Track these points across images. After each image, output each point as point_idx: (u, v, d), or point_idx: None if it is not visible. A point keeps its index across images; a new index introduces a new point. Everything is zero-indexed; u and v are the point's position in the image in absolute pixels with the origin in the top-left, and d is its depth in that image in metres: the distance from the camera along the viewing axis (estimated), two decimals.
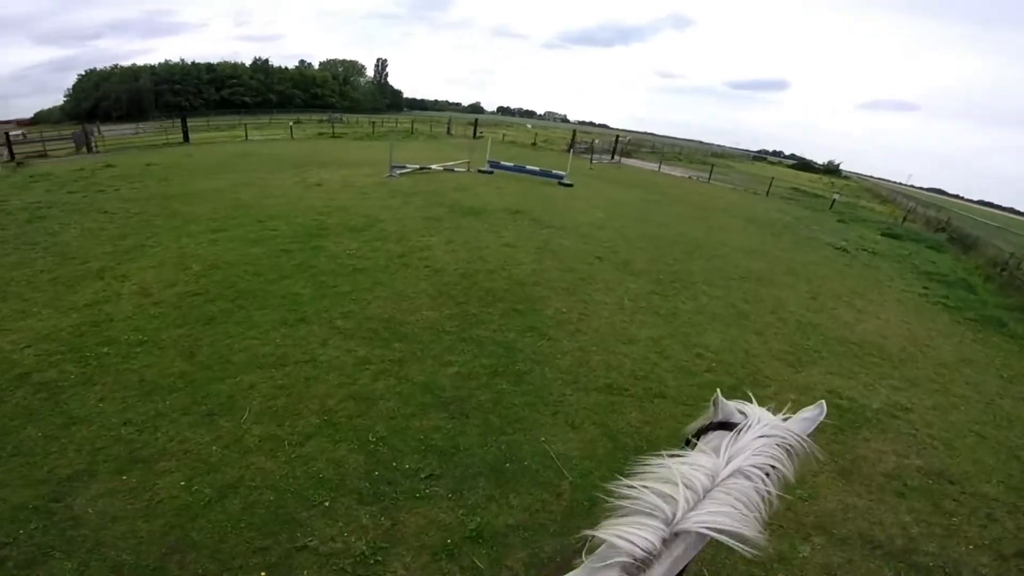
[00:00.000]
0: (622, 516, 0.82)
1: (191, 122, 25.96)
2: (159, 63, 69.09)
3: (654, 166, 30.25)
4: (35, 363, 4.15)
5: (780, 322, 6.65)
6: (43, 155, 20.72)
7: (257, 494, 2.92)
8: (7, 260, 6.44)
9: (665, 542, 0.77)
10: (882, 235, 16.63)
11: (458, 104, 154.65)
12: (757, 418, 0.97)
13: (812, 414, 1.02)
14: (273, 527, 2.72)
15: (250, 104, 70.40)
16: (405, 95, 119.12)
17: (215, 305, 5.46)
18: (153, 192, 11.06)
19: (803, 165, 76.08)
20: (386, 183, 13.25)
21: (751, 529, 0.79)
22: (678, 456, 0.91)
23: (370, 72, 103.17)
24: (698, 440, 1.02)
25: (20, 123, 55.72)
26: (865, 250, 13.07)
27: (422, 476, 3.21)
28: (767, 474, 0.88)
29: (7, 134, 19.94)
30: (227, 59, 76.73)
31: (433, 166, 15.92)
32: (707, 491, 0.82)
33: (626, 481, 0.89)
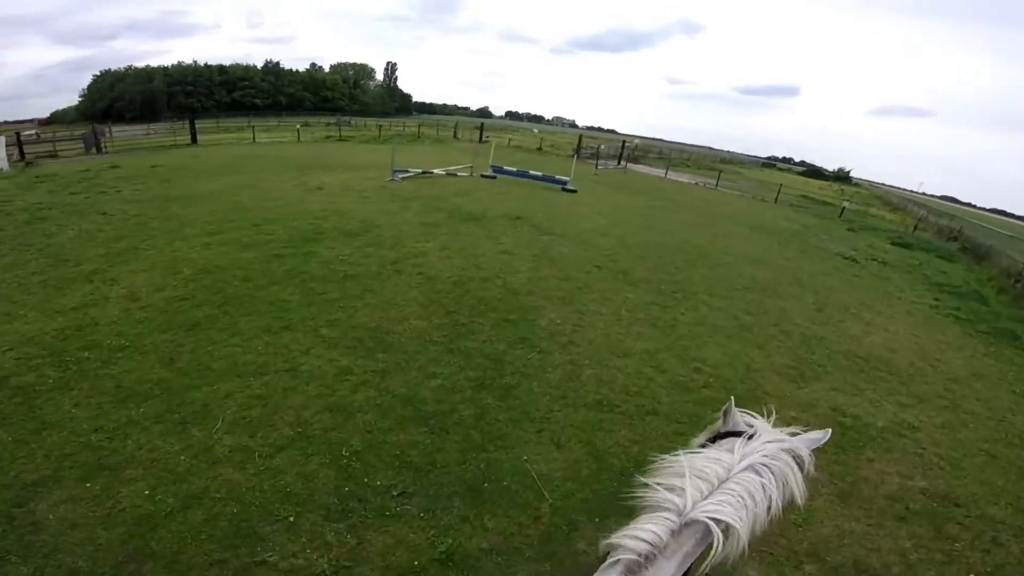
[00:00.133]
0: (638, 517, 0.84)
1: (201, 124, 26.25)
2: (172, 64, 70.07)
3: (661, 172, 30.02)
4: (15, 367, 4.09)
5: (784, 335, 6.44)
6: (53, 155, 20.93)
7: (221, 506, 2.85)
8: (1, 262, 6.41)
9: (674, 533, 0.78)
10: (892, 244, 16.31)
11: (467, 108, 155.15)
12: (765, 428, 1.01)
13: (818, 436, 1.04)
14: (234, 540, 2.65)
15: (260, 106, 71.08)
16: (414, 99, 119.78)
17: (201, 311, 5.37)
18: (154, 194, 11.06)
19: (813, 172, 75.53)
20: (387, 187, 13.17)
21: (747, 521, 0.81)
22: (693, 453, 0.95)
23: (380, 76, 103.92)
24: (712, 446, 1.04)
25: (41, 123, 56.77)
26: (875, 260, 12.79)
27: (394, 493, 3.10)
28: (775, 474, 0.91)
29: (18, 134, 20.17)
30: (239, 61, 77.78)
31: (435, 170, 15.83)
32: (722, 482, 0.85)
33: (644, 480, 0.91)
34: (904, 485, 3.80)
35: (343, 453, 3.39)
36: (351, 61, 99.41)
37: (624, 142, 37.04)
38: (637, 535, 0.78)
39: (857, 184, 71.46)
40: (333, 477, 3.17)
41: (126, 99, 62.27)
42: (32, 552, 2.50)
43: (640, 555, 0.76)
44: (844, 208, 24.01)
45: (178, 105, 62.99)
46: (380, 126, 41.12)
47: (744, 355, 5.64)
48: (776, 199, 24.26)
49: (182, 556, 2.55)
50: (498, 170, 16.78)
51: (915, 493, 3.73)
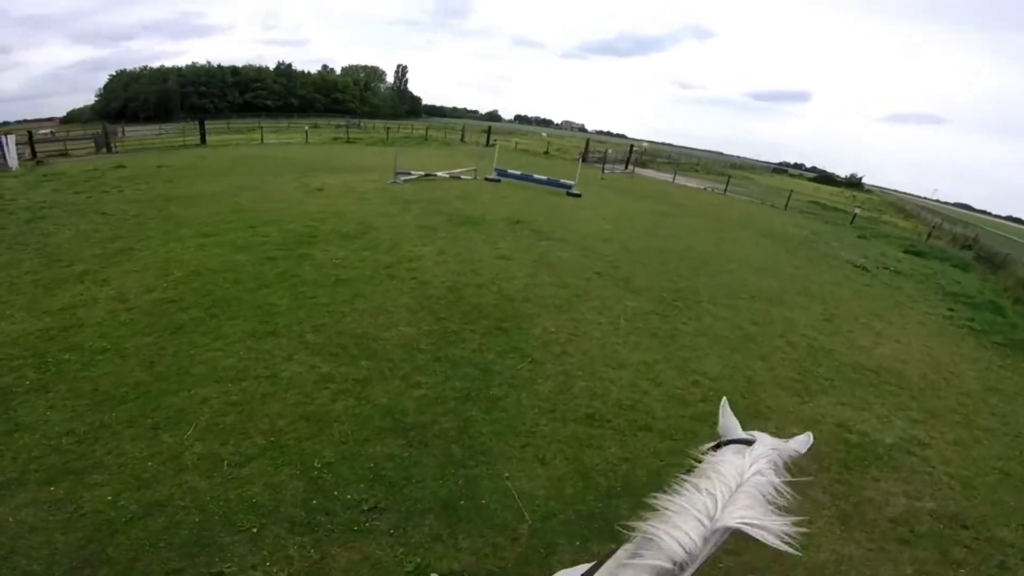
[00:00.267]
0: (665, 512, 0.82)
1: (212, 124, 26.44)
2: (186, 65, 71.04)
3: (669, 177, 29.75)
4: None
5: (789, 346, 6.21)
6: (64, 154, 21.16)
7: (183, 514, 2.78)
8: None
9: (705, 540, 0.77)
10: (905, 252, 15.93)
11: (476, 112, 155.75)
12: (761, 439, 1.02)
13: (802, 440, 1.07)
14: (192, 549, 2.59)
15: (272, 108, 71.81)
16: (424, 102, 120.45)
17: (187, 313, 5.27)
18: (156, 194, 11.05)
19: (824, 178, 74.75)
20: (388, 190, 13.07)
21: (777, 523, 0.81)
22: (710, 457, 0.96)
23: (390, 78, 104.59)
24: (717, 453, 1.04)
25: (62, 121, 57.76)
26: (886, 268, 12.46)
27: (364, 508, 2.96)
28: (778, 473, 0.93)
29: (29, 133, 20.42)
30: (252, 63, 78.70)
31: (439, 173, 15.73)
32: (739, 486, 0.85)
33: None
34: (911, 507, 3.59)
35: (315, 464, 3.26)
36: (363, 63, 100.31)
37: (632, 146, 36.77)
38: (676, 537, 0.76)
39: (869, 190, 70.61)
40: (302, 489, 3.06)
41: (140, 99, 63.23)
42: None
43: (675, 563, 0.75)
44: (855, 215, 23.61)
45: (191, 106, 63.82)
46: (388, 128, 41.24)
47: (746, 367, 5.41)
48: (786, 205, 23.86)
49: (138, 563, 2.49)
50: (502, 173, 16.65)
51: (922, 515, 3.53)
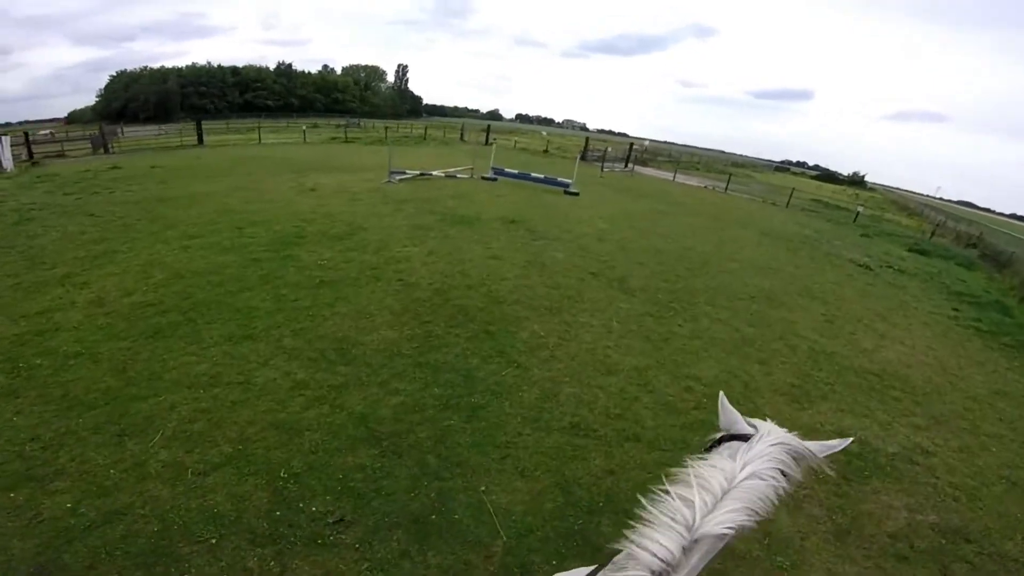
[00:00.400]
0: (645, 526, 0.81)
1: (212, 124, 26.31)
2: (186, 66, 71.05)
3: (669, 175, 29.50)
4: None
5: (789, 349, 6.00)
6: (61, 155, 21.10)
7: (143, 523, 2.72)
8: None
9: (685, 550, 0.76)
10: (909, 251, 15.68)
11: (477, 111, 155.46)
12: (768, 430, 0.98)
13: (835, 443, 1.01)
14: (149, 559, 2.53)
15: (272, 108, 71.78)
16: (425, 101, 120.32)
17: (166, 317, 5.13)
18: (146, 195, 10.92)
19: (827, 176, 74.38)
20: (381, 189, 12.89)
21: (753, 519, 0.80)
22: (698, 461, 0.92)
23: (391, 78, 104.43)
24: (712, 451, 1.02)
25: (66, 122, 57.85)
26: (890, 267, 12.22)
27: (330, 521, 2.83)
28: (776, 478, 0.88)
29: (26, 134, 20.33)
30: (253, 63, 78.67)
31: (434, 172, 15.53)
32: (725, 492, 0.83)
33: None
34: (912, 520, 3.41)
35: (281, 475, 3.13)
36: (363, 63, 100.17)
37: (632, 144, 36.50)
38: (651, 549, 0.75)
39: (872, 188, 70.15)
40: (266, 500, 2.94)
41: (140, 100, 63.26)
42: None
43: (653, 572, 0.74)
44: (858, 213, 23.33)
45: (191, 106, 63.84)
46: (387, 128, 41.09)
47: (743, 372, 5.21)
48: (788, 203, 23.61)
49: (94, 572, 2.45)
50: (499, 172, 16.45)
51: (923, 529, 3.34)
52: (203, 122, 26.33)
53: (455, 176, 15.91)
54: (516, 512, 3.01)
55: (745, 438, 0.97)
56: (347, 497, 3.01)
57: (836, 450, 0.99)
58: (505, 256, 7.95)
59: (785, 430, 1.00)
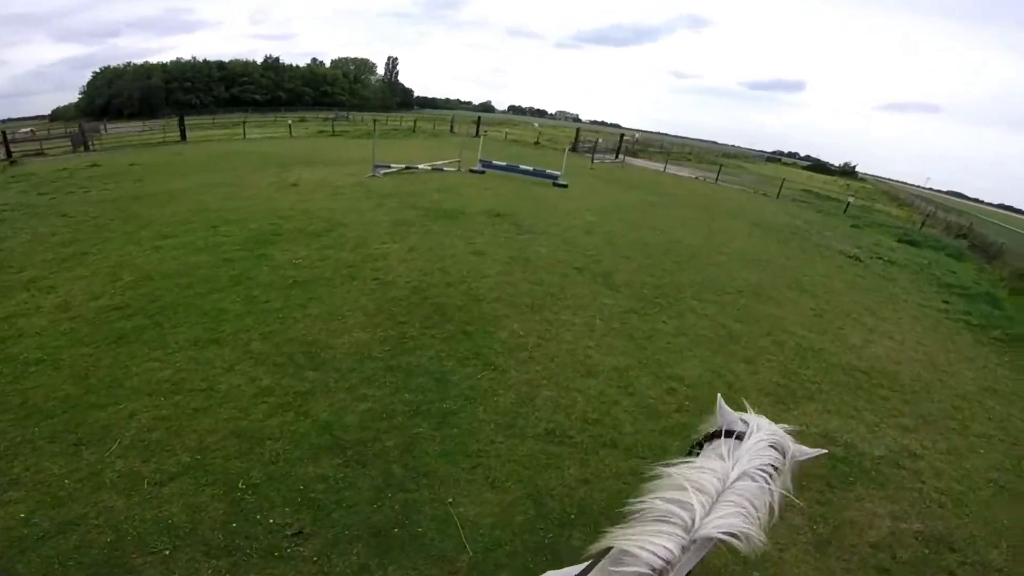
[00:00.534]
0: (639, 523, 0.80)
1: (197, 120, 25.77)
2: (170, 61, 69.84)
3: (660, 166, 29.32)
4: None
5: (776, 346, 5.87)
6: (40, 153, 20.61)
7: (96, 533, 2.65)
8: None
9: (684, 550, 0.76)
10: (899, 242, 15.65)
11: (469, 103, 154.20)
12: (757, 425, 0.97)
13: (810, 451, 1.01)
14: (102, 570, 2.48)
15: (260, 102, 70.79)
16: (417, 94, 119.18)
17: (131, 321, 4.93)
18: (121, 194, 10.63)
19: (818, 166, 74.56)
20: (364, 183, 12.62)
21: (756, 529, 0.79)
22: (687, 463, 0.90)
23: (381, 70, 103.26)
24: (703, 448, 1.00)
25: (51, 119, 56.64)
26: (880, 258, 12.15)
27: (287, 533, 2.71)
28: (770, 475, 0.88)
29: (3, 132, 19.81)
30: (241, 57, 77.42)
31: (420, 165, 15.26)
32: (719, 494, 0.82)
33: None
34: (895, 528, 3.28)
35: (239, 485, 2.99)
36: (353, 56, 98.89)
37: (623, 135, 36.25)
38: (652, 549, 0.74)
39: (863, 179, 70.40)
40: (223, 511, 2.82)
41: (124, 96, 62.14)
42: None
43: (654, 570, 0.73)
44: (849, 203, 23.32)
45: (176, 101, 62.74)
46: (376, 120, 40.56)
47: (728, 371, 5.07)
48: (778, 194, 23.52)
49: None
50: (487, 164, 16.20)
51: (907, 537, 3.22)
52: (188, 118, 25.85)
53: (442, 169, 15.64)
54: (484, 525, 2.85)
55: (738, 436, 0.95)
56: (307, 509, 2.88)
57: (807, 456, 0.99)
58: (488, 251, 7.74)
59: (771, 423, 1.01)
